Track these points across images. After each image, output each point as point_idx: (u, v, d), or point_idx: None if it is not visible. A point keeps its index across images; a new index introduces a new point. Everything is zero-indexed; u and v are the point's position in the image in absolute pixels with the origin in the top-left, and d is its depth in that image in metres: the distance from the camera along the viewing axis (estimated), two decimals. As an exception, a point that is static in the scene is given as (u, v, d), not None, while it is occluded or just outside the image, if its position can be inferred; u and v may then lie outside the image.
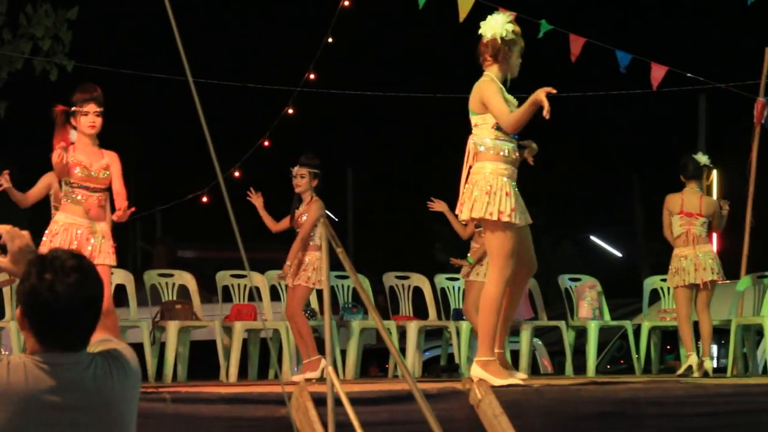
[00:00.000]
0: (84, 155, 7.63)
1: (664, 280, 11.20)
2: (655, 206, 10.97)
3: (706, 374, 9.59)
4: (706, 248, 10.00)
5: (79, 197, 7.66)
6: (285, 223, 9.68)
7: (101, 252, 7.65)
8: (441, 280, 10.91)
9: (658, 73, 12.84)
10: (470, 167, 7.03)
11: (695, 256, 9.84)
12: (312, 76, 14.54)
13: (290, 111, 14.67)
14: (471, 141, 7.04)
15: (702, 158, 10.21)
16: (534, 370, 11.03)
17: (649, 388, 6.63)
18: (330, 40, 14.35)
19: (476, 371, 6.72)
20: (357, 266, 5.40)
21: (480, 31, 7.14)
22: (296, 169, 9.62)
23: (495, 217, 6.85)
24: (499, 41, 7.04)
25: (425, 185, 10.22)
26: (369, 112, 24.85)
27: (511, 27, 7.06)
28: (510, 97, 7.10)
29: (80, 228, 7.64)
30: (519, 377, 7.06)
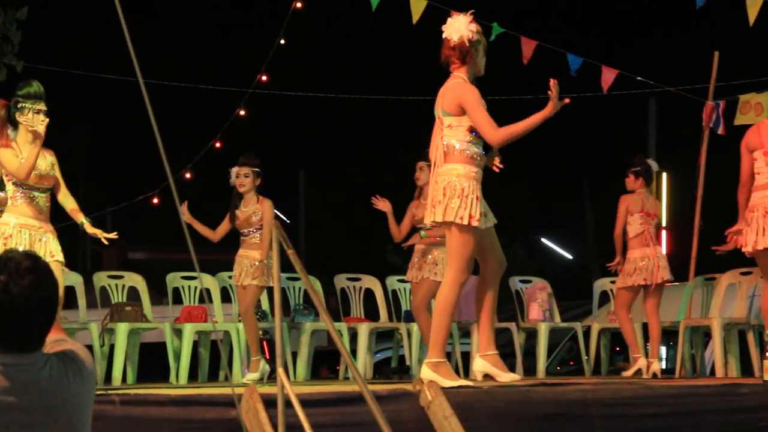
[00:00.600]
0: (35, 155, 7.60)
1: (614, 281, 11.26)
2: (606, 209, 11.02)
3: (654, 376, 9.67)
4: (660, 249, 10.11)
5: (33, 198, 7.62)
6: (226, 225, 9.66)
7: (54, 251, 7.61)
8: (392, 282, 10.92)
9: (608, 76, 12.92)
10: (438, 168, 7.00)
11: (655, 256, 9.92)
12: (264, 78, 14.51)
13: (242, 112, 14.64)
14: (441, 141, 6.99)
15: (654, 164, 10.34)
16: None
17: (598, 390, 6.66)
18: (282, 41, 14.33)
19: (426, 373, 6.73)
20: (308, 268, 5.40)
21: (445, 35, 7.10)
22: (238, 170, 9.62)
23: (465, 222, 6.85)
24: (467, 43, 7.05)
25: (377, 187, 10.22)
26: (321, 113, 24.84)
27: (474, 27, 7.07)
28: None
29: (33, 229, 7.59)
30: (513, 378, 7.11)
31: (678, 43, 25.22)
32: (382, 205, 10.00)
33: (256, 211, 9.55)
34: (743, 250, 8.11)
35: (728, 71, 13.63)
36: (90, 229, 7.95)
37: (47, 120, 7.57)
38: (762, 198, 7.86)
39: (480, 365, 6.91)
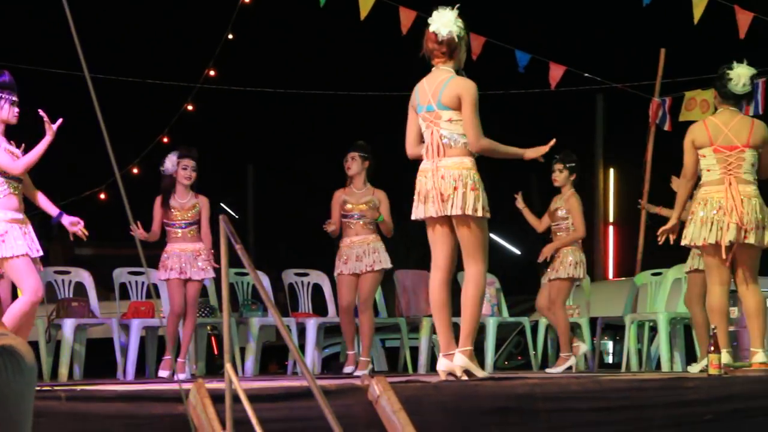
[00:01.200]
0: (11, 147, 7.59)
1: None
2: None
3: (570, 369, 9.87)
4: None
5: (17, 188, 7.57)
6: (159, 219, 9.62)
7: (34, 242, 7.54)
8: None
9: (556, 72, 13.00)
10: (437, 160, 6.97)
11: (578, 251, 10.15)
12: (212, 73, 14.46)
13: (190, 107, 14.58)
14: (438, 134, 6.97)
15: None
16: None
17: (545, 384, 6.69)
18: (230, 36, 14.28)
19: (462, 361, 6.84)
20: (257, 263, 5.39)
21: (432, 29, 7.06)
22: (189, 162, 9.60)
23: (480, 214, 6.91)
24: (456, 39, 7.06)
25: (326, 182, 10.22)
26: (269, 108, 24.75)
27: (460, 22, 7.08)
28: None
29: (19, 223, 7.52)
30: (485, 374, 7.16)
31: (625, 40, 25.36)
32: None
33: (196, 205, 9.55)
34: (688, 244, 8.18)
35: (674, 68, 13.75)
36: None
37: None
38: (716, 192, 7.94)
39: (461, 360, 6.91)
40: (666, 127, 13.35)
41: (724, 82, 8.04)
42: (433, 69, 7.13)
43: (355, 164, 9.81)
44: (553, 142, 7.20)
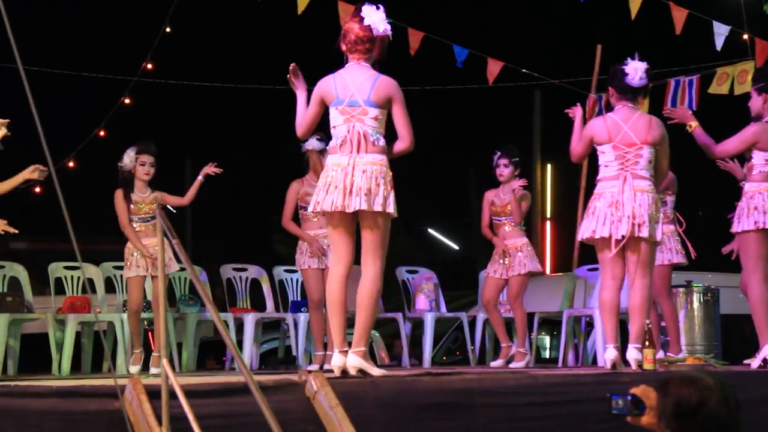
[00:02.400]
0: None
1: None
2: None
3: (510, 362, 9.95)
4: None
5: None
6: (126, 211, 9.57)
7: None
8: (279, 272, 10.90)
9: (493, 68, 13.04)
10: (355, 156, 6.96)
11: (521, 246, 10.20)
12: (149, 66, 14.36)
13: (127, 101, 14.47)
14: (361, 129, 6.96)
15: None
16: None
17: (482, 379, 6.72)
18: (168, 29, 14.19)
19: (355, 361, 6.79)
20: (194, 258, 5.36)
21: (368, 22, 7.04)
22: (148, 157, 9.60)
23: (393, 212, 6.95)
24: (389, 38, 7.11)
25: (263, 177, 10.19)
26: (208, 102, 24.63)
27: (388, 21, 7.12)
28: None
29: None
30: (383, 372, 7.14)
31: (562, 37, 25.51)
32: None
33: (155, 199, 9.63)
34: (582, 238, 8.21)
35: (611, 64, 13.83)
36: None
37: None
38: (610, 188, 8.00)
39: (354, 361, 6.87)
40: (602, 123, 13.43)
41: (620, 78, 8.11)
42: (350, 63, 7.12)
43: (314, 155, 9.76)
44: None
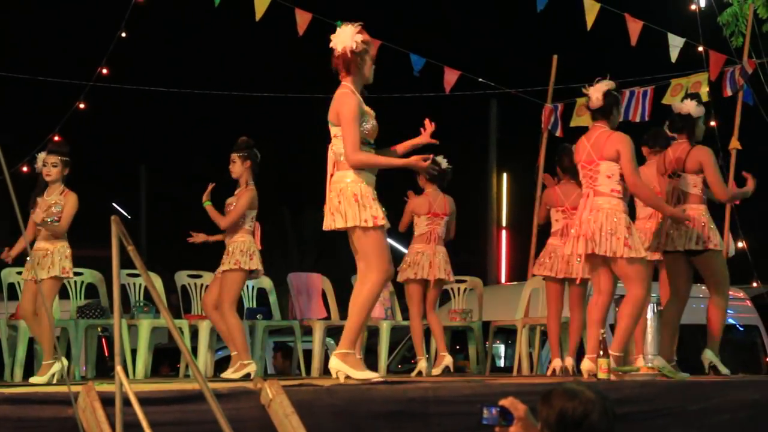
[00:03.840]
0: None
1: (456, 281, 11.39)
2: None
3: (447, 370, 9.95)
4: (444, 249, 10.37)
5: None
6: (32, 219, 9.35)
7: None
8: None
9: (450, 77, 13.07)
10: (331, 176, 7.11)
11: (432, 254, 10.20)
12: (105, 71, 14.29)
13: (82, 105, 14.39)
14: (331, 150, 7.11)
15: (443, 162, 10.53)
16: (326, 370, 11.07)
17: (437, 388, 6.73)
18: (123, 34, 14.13)
19: (335, 363, 6.92)
20: (149, 264, 5.33)
21: (331, 45, 7.21)
22: (46, 157, 9.33)
23: (371, 224, 7.00)
24: (350, 54, 7.14)
25: (219, 182, 10.14)
26: (163, 108, 24.57)
27: (359, 37, 7.17)
28: (368, 109, 7.23)
29: None
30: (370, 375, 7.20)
31: (519, 47, 25.63)
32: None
33: (58, 202, 9.19)
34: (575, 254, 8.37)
35: (567, 75, 13.91)
36: None
37: None
38: (580, 206, 8.29)
39: (334, 362, 7.00)
40: (558, 133, 13.51)
41: (586, 99, 8.39)
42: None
43: (236, 167, 9.73)
44: (431, 156, 7.38)
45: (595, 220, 8.05)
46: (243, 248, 9.47)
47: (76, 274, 9.97)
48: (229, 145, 9.87)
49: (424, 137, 7.44)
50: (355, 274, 7.23)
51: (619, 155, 8.15)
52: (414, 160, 7.27)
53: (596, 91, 8.31)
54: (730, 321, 12.55)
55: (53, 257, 8.94)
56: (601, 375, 7.73)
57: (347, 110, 7.03)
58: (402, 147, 7.48)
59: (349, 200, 7.00)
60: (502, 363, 13.48)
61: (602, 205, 8.10)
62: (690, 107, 8.85)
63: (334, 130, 7.10)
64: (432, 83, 13.33)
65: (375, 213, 7.02)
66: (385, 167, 7.26)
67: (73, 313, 10.00)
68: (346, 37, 7.15)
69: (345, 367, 6.90)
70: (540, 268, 9.96)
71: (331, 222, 7.08)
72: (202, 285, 10.67)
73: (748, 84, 12.27)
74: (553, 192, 10.09)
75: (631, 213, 8.53)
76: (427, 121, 7.45)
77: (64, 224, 9.02)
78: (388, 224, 7.15)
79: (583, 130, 11.29)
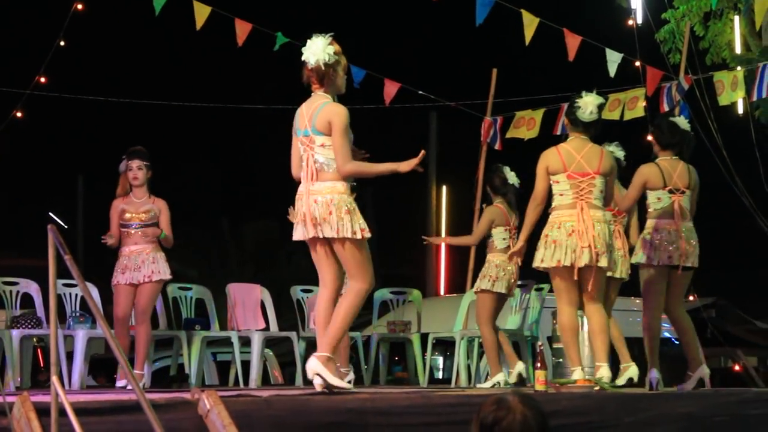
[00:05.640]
0: None
1: (394, 292, 11.43)
2: (388, 219, 11.16)
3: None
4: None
5: None
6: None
7: None
8: (173, 289, 10.80)
9: (390, 89, 13.13)
10: (311, 184, 7.12)
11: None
12: (42, 80, 14.18)
13: (19, 114, 14.26)
14: (310, 159, 7.13)
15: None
16: (264, 380, 11.05)
17: (375, 399, 6.74)
18: (62, 43, 14.03)
19: (314, 364, 7.04)
20: (86, 274, 5.30)
21: (303, 58, 7.25)
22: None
23: (359, 236, 7.06)
24: (323, 66, 7.20)
25: (158, 193, 10.10)
26: (101, 117, 24.41)
27: (332, 49, 7.22)
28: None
29: None
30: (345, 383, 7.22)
31: (459, 60, 25.74)
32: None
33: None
34: (539, 266, 8.33)
35: (506, 88, 14.00)
36: None
37: None
38: (568, 217, 8.18)
39: (313, 363, 7.07)
40: (497, 146, 13.60)
41: (573, 110, 8.35)
42: (312, 95, 7.29)
43: (141, 174, 9.79)
44: (422, 153, 7.40)
45: (598, 233, 8.12)
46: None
47: (11, 283, 9.92)
48: (169, 155, 9.86)
49: (409, 164, 7.34)
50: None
51: (612, 173, 8.35)
52: (405, 165, 7.29)
53: (591, 104, 8.30)
54: (665, 335, 12.68)
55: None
56: (539, 387, 7.78)
57: (340, 121, 7.10)
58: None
59: (341, 211, 7.05)
60: (440, 374, 13.52)
61: (599, 219, 8.19)
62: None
63: (320, 140, 7.12)
64: (372, 95, 13.37)
65: (363, 225, 7.11)
66: (375, 175, 7.34)
67: (8, 323, 9.90)
68: (318, 50, 7.20)
69: (324, 370, 7.01)
70: (497, 284, 9.95)
71: (311, 231, 7.09)
72: (139, 295, 10.59)
73: (685, 100, 12.41)
74: (500, 210, 10.10)
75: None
76: (421, 153, 7.42)
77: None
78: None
79: (519, 143, 11.40)
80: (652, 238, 8.65)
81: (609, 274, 8.54)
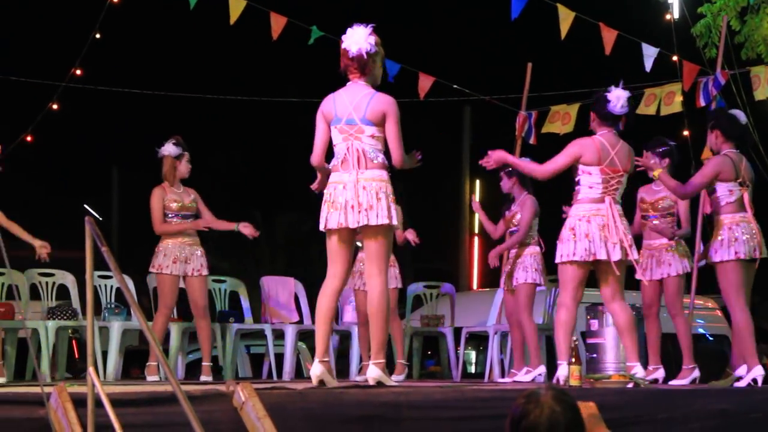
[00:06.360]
0: None
1: (428, 286, 11.43)
2: (422, 213, 11.16)
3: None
4: None
5: None
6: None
7: None
8: (208, 281, 10.82)
9: (425, 83, 13.10)
10: (358, 173, 7.16)
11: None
12: (78, 72, 14.24)
13: (55, 106, 14.33)
14: (360, 148, 7.17)
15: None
16: (298, 373, 11.08)
17: (410, 393, 6.75)
18: (98, 35, 14.08)
19: (374, 372, 7.07)
20: (121, 266, 5.32)
21: (344, 46, 7.27)
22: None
23: (395, 222, 7.17)
24: (365, 55, 7.24)
25: (193, 185, 10.16)
26: (136, 110, 24.50)
27: (373, 39, 7.27)
28: None
29: None
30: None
31: (494, 53, 25.68)
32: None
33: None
34: (572, 259, 8.22)
35: (541, 82, 13.95)
36: None
37: None
38: (597, 210, 8.08)
39: (374, 372, 7.12)
40: (531, 141, 13.54)
41: (603, 104, 8.22)
42: (349, 83, 7.31)
43: (188, 168, 9.91)
44: (419, 152, 7.52)
45: (624, 230, 8.08)
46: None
47: (47, 275, 9.98)
48: (203, 147, 9.91)
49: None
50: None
51: (632, 172, 8.33)
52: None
53: (620, 98, 8.22)
54: (700, 330, 12.63)
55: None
56: (573, 382, 7.75)
57: (396, 112, 7.23)
58: None
59: (389, 199, 7.15)
60: (473, 369, 13.51)
61: (622, 214, 8.17)
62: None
63: (370, 130, 7.17)
64: (407, 89, 13.35)
65: (396, 215, 7.23)
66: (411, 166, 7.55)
67: (44, 315, 9.96)
68: (360, 38, 7.24)
69: (385, 378, 7.11)
70: (538, 276, 9.96)
71: (356, 218, 7.11)
72: (174, 288, 10.62)
73: (721, 95, 12.33)
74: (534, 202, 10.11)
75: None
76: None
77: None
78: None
79: (554, 138, 11.33)
80: (734, 233, 8.54)
81: None
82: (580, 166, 8.19)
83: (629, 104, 8.29)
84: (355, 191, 7.11)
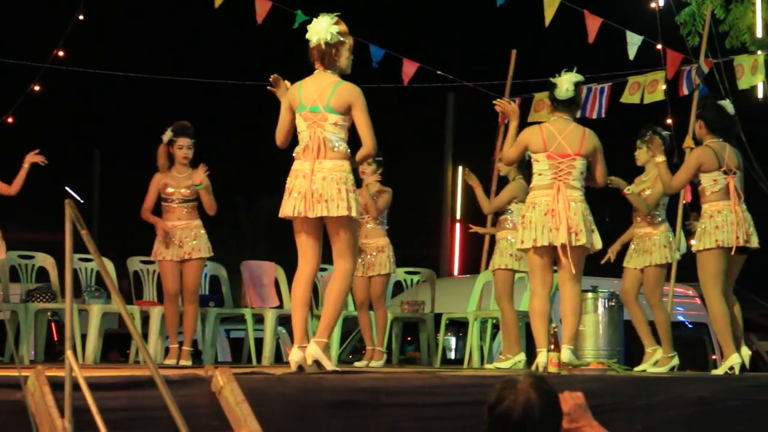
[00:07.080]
0: None
1: (408, 272, 11.43)
2: (403, 199, 11.15)
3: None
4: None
5: None
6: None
7: None
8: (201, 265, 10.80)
9: (409, 69, 13.10)
10: (316, 162, 7.11)
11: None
12: (61, 53, 14.18)
13: (36, 87, 14.28)
14: (321, 136, 7.12)
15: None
16: (277, 358, 11.07)
17: (387, 378, 6.74)
18: (81, 17, 14.03)
19: (314, 350, 6.94)
20: (101, 249, 5.30)
21: (307, 36, 7.27)
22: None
23: (356, 215, 7.12)
24: (323, 46, 7.20)
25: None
26: (118, 92, 24.44)
27: (336, 29, 7.23)
28: None
29: None
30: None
31: (478, 40, 25.68)
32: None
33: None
34: (521, 248, 8.30)
35: (525, 69, 13.96)
36: None
37: None
38: (544, 196, 8.11)
39: (313, 350, 7.01)
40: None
41: (550, 89, 8.33)
42: (315, 72, 7.28)
43: (191, 153, 9.83)
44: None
45: (574, 213, 8.07)
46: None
47: (26, 257, 9.94)
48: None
49: None
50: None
51: (596, 153, 8.24)
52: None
53: (566, 82, 8.25)
54: (679, 318, 12.67)
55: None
56: (551, 369, 7.77)
57: (363, 101, 7.18)
58: None
59: (351, 190, 7.10)
60: (452, 355, 13.52)
61: (576, 198, 8.13)
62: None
63: (334, 118, 7.13)
64: (391, 75, 13.34)
65: (359, 206, 7.20)
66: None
67: (23, 297, 9.93)
68: (321, 29, 7.22)
69: (323, 357, 6.96)
70: (515, 262, 9.89)
71: (313, 208, 7.04)
72: (154, 271, 10.62)
73: (704, 83, 12.35)
74: (523, 186, 10.04)
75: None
76: None
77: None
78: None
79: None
80: (715, 221, 8.56)
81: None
82: (531, 155, 8.29)
83: (576, 88, 8.30)
84: (312, 181, 7.07)
